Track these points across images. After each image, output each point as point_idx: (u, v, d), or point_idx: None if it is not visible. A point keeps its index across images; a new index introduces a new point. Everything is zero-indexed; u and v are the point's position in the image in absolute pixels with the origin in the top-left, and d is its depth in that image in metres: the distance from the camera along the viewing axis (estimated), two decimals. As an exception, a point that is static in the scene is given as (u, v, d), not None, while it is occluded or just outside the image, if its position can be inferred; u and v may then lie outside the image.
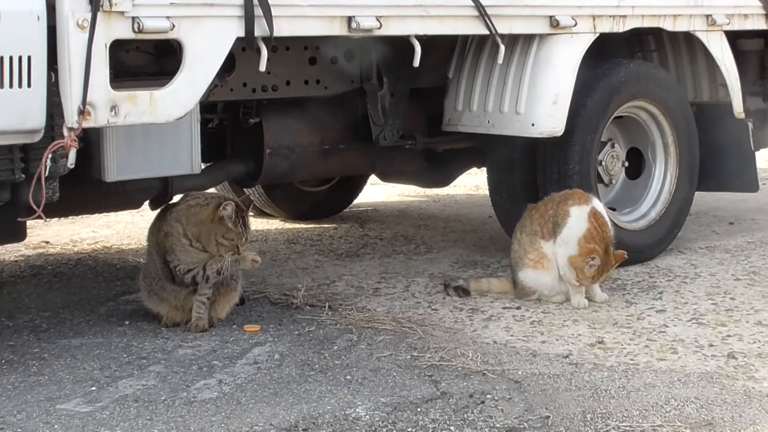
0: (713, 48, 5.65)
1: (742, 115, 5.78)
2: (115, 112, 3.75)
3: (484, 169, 5.88)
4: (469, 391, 3.61)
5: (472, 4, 4.63)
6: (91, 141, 4.31)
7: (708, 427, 3.34)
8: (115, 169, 4.36)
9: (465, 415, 3.42)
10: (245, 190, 6.44)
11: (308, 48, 4.94)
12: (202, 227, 4.19)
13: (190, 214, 4.22)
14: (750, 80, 6.06)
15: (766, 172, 8.18)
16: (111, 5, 3.67)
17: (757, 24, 5.83)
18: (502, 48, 4.84)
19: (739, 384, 3.69)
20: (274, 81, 4.89)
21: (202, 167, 4.77)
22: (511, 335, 4.27)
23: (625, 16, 5.22)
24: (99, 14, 3.64)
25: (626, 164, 5.65)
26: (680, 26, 5.50)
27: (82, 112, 3.64)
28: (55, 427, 3.35)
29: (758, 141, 6.08)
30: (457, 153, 5.72)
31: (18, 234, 4.19)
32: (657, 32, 5.64)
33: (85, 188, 4.53)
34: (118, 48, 3.88)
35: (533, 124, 5.02)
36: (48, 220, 5.24)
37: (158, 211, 4.48)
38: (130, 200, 4.75)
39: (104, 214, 6.50)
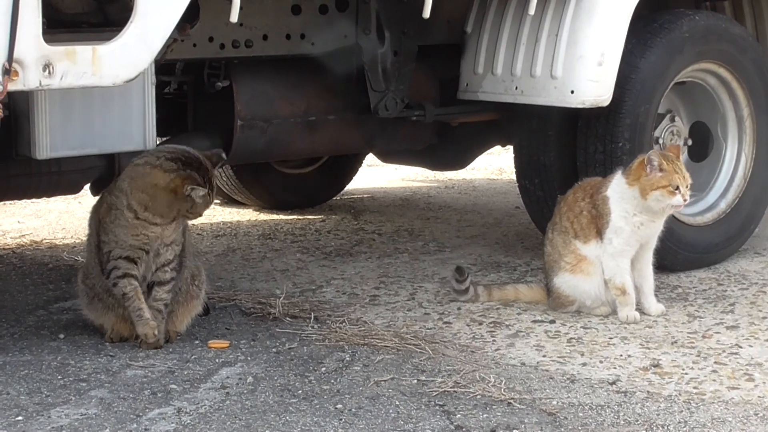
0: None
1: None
2: (49, 72, 3.76)
3: (509, 148, 5.88)
4: (491, 425, 3.62)
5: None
6: (18, 108, 4.32)
7: (789, 472, 3.37)
8: (48, 143, 4.36)
9: (485, 455, 3.45)
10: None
11: (291, -8, 4.98)
12: (158, 193, 4.13)
13: (136, 174, 4.17)
14: None
15: None
16: (42, -67, 3.70)
17: None
18: (535, -6, 4.88)
19: (829, 418, 3.71)
20: (247, 35, 4.90)
21: (158, 142, 4.78)
22: (544, 356, 4.29)
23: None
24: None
25: (689, 142, 5.66)
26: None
27: (7, 72, 3.65)
28: (-28, 467, 3.37)
29: None
30: (476, 127, 5.73)
31: None
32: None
33: (10, 167, 4.53)
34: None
35: (573, 92, 5.03)
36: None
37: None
38: (66, 183, 4.76)
39: (33, 200, 6.49)
